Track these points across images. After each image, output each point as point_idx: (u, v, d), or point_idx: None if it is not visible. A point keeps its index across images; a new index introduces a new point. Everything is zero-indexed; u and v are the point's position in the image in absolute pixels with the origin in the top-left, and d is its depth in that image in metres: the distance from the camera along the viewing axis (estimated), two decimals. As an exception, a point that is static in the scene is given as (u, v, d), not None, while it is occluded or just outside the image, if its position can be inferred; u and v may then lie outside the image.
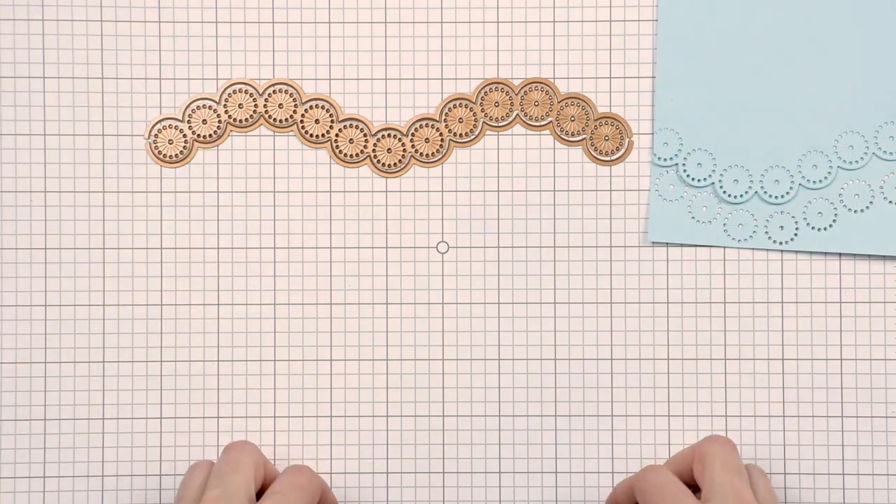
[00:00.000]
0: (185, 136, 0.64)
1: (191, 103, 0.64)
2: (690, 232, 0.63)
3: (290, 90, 0.64)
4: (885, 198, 0.63)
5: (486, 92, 0.64)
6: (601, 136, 0.64)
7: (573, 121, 0.64)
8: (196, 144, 0.64)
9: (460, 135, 0.64)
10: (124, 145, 0.64)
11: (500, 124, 0.64)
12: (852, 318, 0.64)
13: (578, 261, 0.64)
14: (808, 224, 0.63)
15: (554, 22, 0.64)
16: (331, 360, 0.64)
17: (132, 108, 0.64)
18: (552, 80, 0.64)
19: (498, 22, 0.64)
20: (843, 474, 0.63)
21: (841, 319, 0.64)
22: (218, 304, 0.64)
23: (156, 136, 0.64)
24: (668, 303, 0.64)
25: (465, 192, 0.64)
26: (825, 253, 0.64)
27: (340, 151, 0.64)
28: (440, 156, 0.64)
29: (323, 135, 0.64)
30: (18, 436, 0.64)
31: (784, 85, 0.63)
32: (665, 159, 0.64)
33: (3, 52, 0.64)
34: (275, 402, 0.64)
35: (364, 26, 0.64)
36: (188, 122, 0.64)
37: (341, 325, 0.64)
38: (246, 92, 0.64)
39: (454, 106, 0.64)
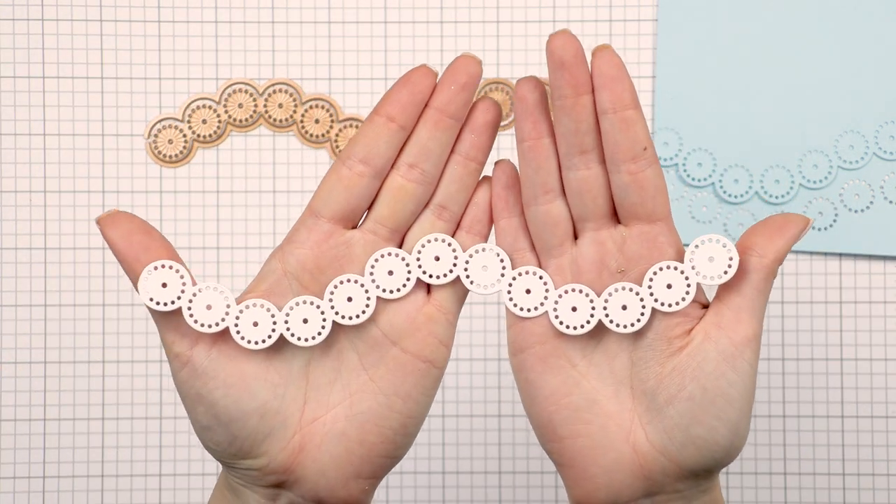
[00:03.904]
0: (185, 136, 0.64)
1: (191, 103, 0.64)
2: (690, 232, 0.63)
3: (290, 90, 0.64)
4: (885, 198, 0.63)
5: (485, 92, 0.64)
6: (601, 136, 0.64)
7: (573, 121, 0.64)
8: (196, 144, 0.64)
9: (460, 135, 0.64)
10: (124, 145, 0.64)
11: (501, 124, 0.64)
12: (852, 318, 0.64)
13: (578, 261, 0.64)
14: (808, 224, 0.63)
15: (554, 22, 0.64)
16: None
17: (132, 107, 0.64)
18: (552, 80, 0.64)
19: (498, 22, 0.64)
20: (844, 474, 0.63)
21: (841, 319, 0.64)
22: (218, 304, 0.64)
23: (156, 136, 0.64)
24: (668, 303, 0.64)
25: (465, 192, 0.64)
26: (825, 253, 0.64)
27: (340, 151, 0.64)
28: (440, 156, 0.64)
29: (323, 135, 0.64)
30: (18, 436, 0.64)
31: (784, 85, 0.63)
32: (665, 159, 0.64)
33: (3, 52, 0.64)
34: (275, 402, 0.64)
35: (364, 26, 0.64)
36: (188, 122, 0.64)
37: (341, 325, 0.64)
38: (246, 92, 0.64)
39: (454, 106, 0.64)
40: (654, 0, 0.64)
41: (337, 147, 0.64)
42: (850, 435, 0.63)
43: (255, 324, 0.37)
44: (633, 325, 0.38)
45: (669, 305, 0.37)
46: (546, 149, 0.38)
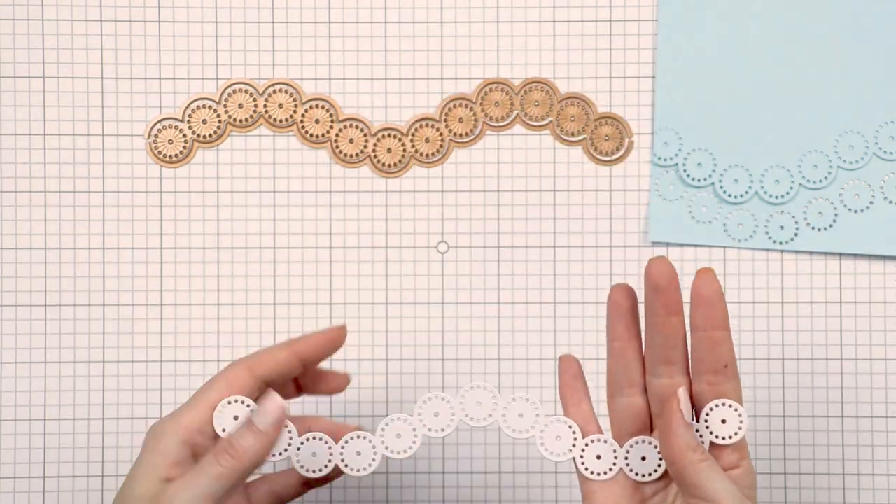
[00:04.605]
0: (185, 136, 0.64)
1: (191, 103, 0.64)
2: (690, 232, 0.63)
3: (290, 90, 0.64)
4: (885, 198, 0.63)
5: (486, 92, 0.64)
6: (601, 136, 0.64)
7: (573, 121, 0.64)
8: (196, 144, 0.64)
9: (460, 135, 0.64)
10: (124, 145, 0.64)
11: (500, 124, 0.64)
12: (852, 318, 0.64)
13: (578, 261, 0.64)
14: (808, 224, 0.63)
15: (554, 22, 0.64)
16: (331, 360, 0.64)
17: (132, 108, 0.64)
18: (552, 80, 0.64)
19: (498, 22, 0.64)
20: (844, 474, 0.63)
21: (841, 319, 0.64)
22: (218, 304, 0.64)
23: (156, 136, 0.64)
24: (668, 303, 0.64)
25: (466, 192, 0.64)
26: (825, 253, 0.64)
27: (340, 151, 0.64)
28: (440, 156, 0.64)
29: (323, 135, 0.64)
30: (18, 436, 0.64)
31: (784, 85, 0.63)
32: (665, 159, 0.64)
33: (3, 52, 0.64)
34: (275, 402, 0.64)
35: (364, 26, 0.64)
36: (188, 122, 0.64)
37: (341, 325, 0.64)
38: (246, 92, 0.64)
39: (454, 106, 0.64)
40: (654, 0, 0.64)
41: (337, 147, 0.64)
42: (850, 435, 0.63)
43: (314, 454, 0.44)
44: (650, 474, 0.43)
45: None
46: (634, 350, 0.43)
